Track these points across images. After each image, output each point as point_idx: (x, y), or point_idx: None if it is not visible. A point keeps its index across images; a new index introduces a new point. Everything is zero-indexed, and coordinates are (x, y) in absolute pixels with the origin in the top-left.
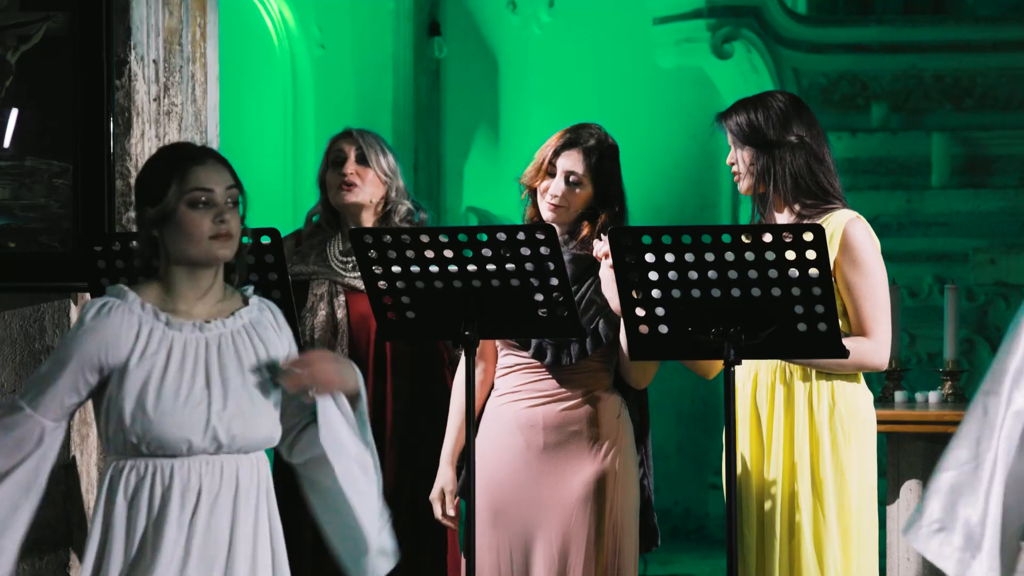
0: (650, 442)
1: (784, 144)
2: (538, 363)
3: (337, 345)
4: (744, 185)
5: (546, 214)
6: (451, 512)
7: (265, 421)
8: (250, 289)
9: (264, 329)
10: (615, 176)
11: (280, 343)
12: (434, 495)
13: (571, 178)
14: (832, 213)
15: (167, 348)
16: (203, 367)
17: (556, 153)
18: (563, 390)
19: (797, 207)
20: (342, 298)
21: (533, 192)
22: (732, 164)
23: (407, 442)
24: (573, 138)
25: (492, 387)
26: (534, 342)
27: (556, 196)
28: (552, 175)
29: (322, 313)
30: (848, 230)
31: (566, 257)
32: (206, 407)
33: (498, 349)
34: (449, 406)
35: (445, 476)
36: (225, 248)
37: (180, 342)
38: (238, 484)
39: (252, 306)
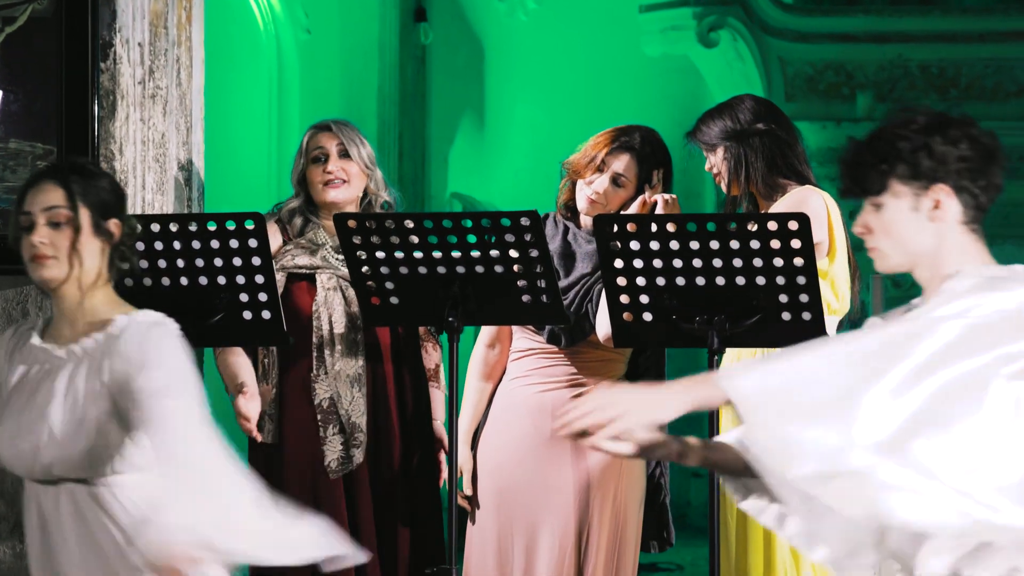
0: None
1: (753, 132)
2: (552, 348)
3: (356, 337)
4: (724, 183)
5: (583, 205)
6: (467, 492)
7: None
8: (122, 317)
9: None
10: (666, 179)
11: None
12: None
13: (619, 180)
14: (795, 190)
15: (27, 363)
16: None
17: (610, 153)
18: (575, 377)
19: (774, 192)
20: (351, 292)
21: (572, 178)
22: (711, 169)
23: (416, 425)
24: (628, 142)
25: (504, 371)
26: (547, 327)
27: (598, 193)
28: (601, 171)
29: (339, 308)
30: (799, 197)
31: (592, 246)
32: (36, 434)
33: (513, 332)
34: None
35: (463, 456)
36: (42, 270)
37: (34, 361)
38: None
39: (115, 328)
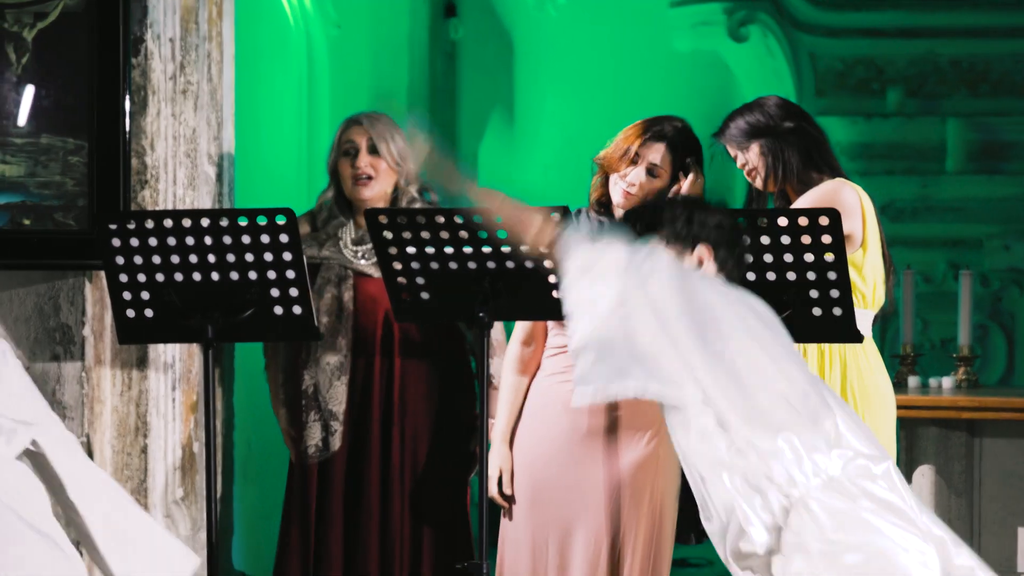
0: None
1: (786, 129)
2: None
3: (342, 327)
4: (760, 180)
5: (618, 198)
6: (507, 491)
7: None
8: None
9: None
10: (697, 168)
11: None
12: (492, 473)
13: (654, 170)
14: (827, 181)
15: None
16: None
17: (643, 144)
18: None
19: (808, 187)
20: (350, 281)
21: (604, 174)
22: (744, 166)
23: (413, 423)
24: (660, 131)
25: (539, 366)
26: None
27: (634, 185)
28: (635, 163)
29: (328, 295)
30: (830, 188)
31: None
32: None
33: (548, 329)
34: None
35: (501, 454)
36: None
37: None
38: None
39: None
